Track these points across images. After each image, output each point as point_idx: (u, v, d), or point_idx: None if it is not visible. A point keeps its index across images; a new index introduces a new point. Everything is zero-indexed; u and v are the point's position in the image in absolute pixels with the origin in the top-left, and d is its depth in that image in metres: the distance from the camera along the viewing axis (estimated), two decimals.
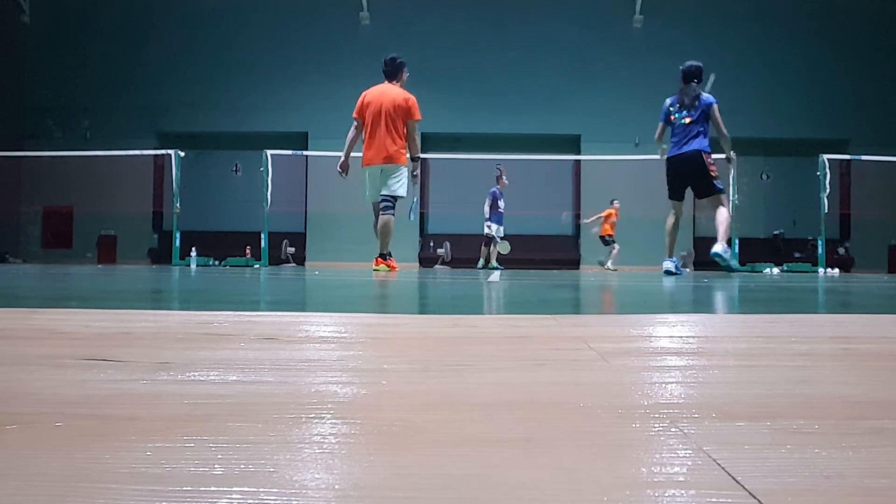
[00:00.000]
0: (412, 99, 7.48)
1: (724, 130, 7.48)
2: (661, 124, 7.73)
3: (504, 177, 13.98)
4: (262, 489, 0.49)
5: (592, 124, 17.85)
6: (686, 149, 7.42)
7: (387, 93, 7.52)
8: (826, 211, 12.98)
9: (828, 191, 12.90)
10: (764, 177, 18.63)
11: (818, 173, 13.02)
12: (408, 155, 7.59)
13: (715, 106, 7.43)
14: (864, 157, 14.40)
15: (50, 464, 0.55)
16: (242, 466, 0.54)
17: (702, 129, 7.43)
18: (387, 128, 7.44)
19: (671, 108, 7.60)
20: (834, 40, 17.88)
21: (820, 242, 13.09)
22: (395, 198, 7.47)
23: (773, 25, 17.96)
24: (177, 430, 0.64)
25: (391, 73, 7.64)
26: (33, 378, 0.91)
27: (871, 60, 17.89)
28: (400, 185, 7.44)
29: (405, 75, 7.73)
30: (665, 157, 7.65)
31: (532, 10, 18.19)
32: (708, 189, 7.43)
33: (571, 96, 17.97)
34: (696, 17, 18.03)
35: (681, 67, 7.65)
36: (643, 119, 17.77)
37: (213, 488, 0.49)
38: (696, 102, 7.43)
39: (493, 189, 13.93)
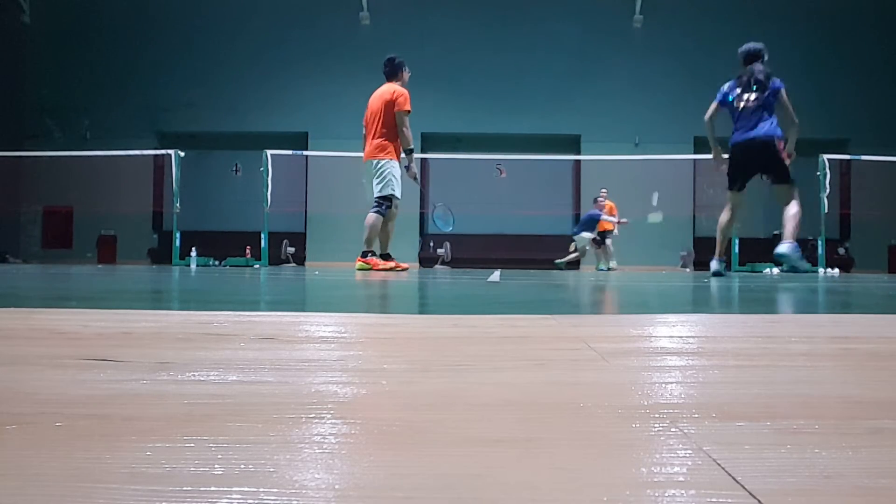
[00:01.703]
0: (399, 91, 7.46)
1: (795, 118, 6.79)
2: (715, 103, 7.05)
3: (603, 199, 14.56)
4: (262, 489, 0.49)
5: (592, 124, 17.84)
6: (755, 133, 6.72)
7: (379, 92, 7.60)
8: (826, 211, 12.97)
9: (828, 191, 12.89)
10: (764, 177, 18.62)
11: (818, 173, 13.01)
12: (401, 149, 7.56)
13: (784, 90, 6.82)
14: (864, 157, 14.39)
15: (50, 464, 0.55)
16: (242, 466, 0.54)
17: (770, 112, 6.74)
18: (374, 125, 7.47)
19: (729, 92, 6.96)
20: (834, 40, 17.87)
21: (820, 242, 13.07)
22: (382, 198, 7.44)
23: (773, 25, 17.94)
24: (177, 430, 0.64)
25: (390, 73, 7.67)
26: (33, 378, 0.91)
27: (871, 60, 17.88)
28: (383, 184, 7.40)
29: (406, 74, 7.73)
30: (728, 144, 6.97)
31: (532, 11, 18.18)
32: (783, 176, 6.71)
33: (571, 96, 17.95)
34: (696, 17, 18.02)
35: (741, 50, 7.13)
36: (643, 119, 17.81)
37: (213, 488, 0.49)
38: (767, 82, 6.76)
39: (594, 211, 14.60)
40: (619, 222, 14.49)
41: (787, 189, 6.68)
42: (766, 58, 6.93)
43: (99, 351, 1.12)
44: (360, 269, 7.38)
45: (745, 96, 6.81)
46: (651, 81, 17.80)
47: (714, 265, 6.95)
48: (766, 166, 6.77)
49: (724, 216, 7.01)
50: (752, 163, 6.82)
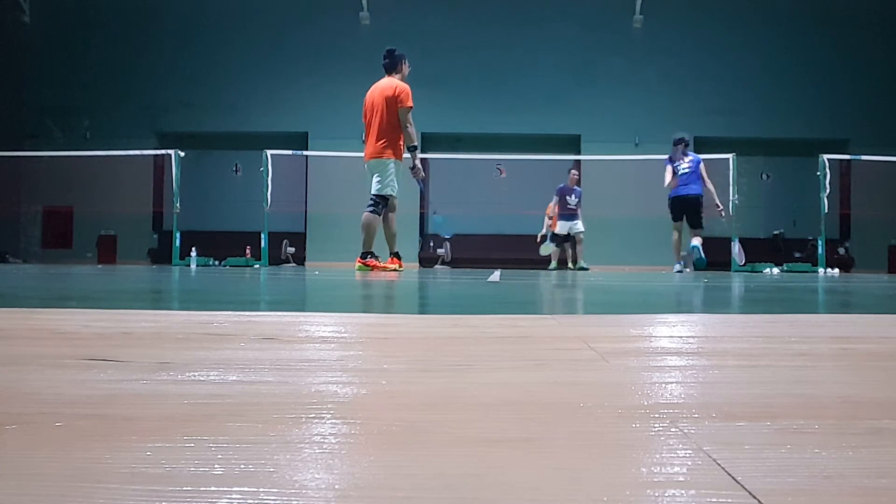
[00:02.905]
0: (401, 86, 7.26)
1: (710, 185, 10.63)
2: (671, 172, 10.59)
3: (573, 172, 13.38)
4: (262, 489, 0.49)
5: (592, 124, 17.82)
6: (688, 192, 10.43)
7: (379, 86, 7.39)
8: (826, 211, 12.97)
9: (828, 191, 12.89)
10: (764, 177, 18.61)
11: (818, 173, 13.00)
12: (403, 146, 7.41)
13: (702, 163, 10.63)
14: (864, 157, 14.37)
15: (50, 464, 0.55)
16: (242, 466, 0.54)
17: (696, 178, 10.50)
18: (377, 122, 7.27)
19: (674, 161, 10.61)
20: (834, 40, 17.86)
21: (820, 242, 13.07)
22: (379, 197, 7.28)
23: (773, 25, 17.93)
24: (177, 430, 0.64)
25: (390, 65, 7.46)
26: (33, 378, 0.91)
27: (871, 60, 17.86)
28: (384, 184, 7.24)
29: (406, 68, 7.52)
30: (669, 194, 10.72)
31: (532, 10, 18.17)
32: (698, 223, 10.48)
33: (571, 96, 17.94)
34: (696, 17, 18.01)
35: (673, 136, 10.80)
36: (643, 119, 17.80)
37: (213, 488, 0.49)
38: (690, 160, 10.60)
39: (560, 185, 13.37)
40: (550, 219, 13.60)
41: (696, 232, 10.44)
42: (687, 144, 10.88)
43: (99, 351, 1.12)
44: (359, 270, 7.30)
45: (684, 165, 10.52)
46: (651, 81, 17.79)
47: (676, 267, 10.44)
48: (690, 212, 10.49)
49: (675, 236, 10.71)
50: (683, 208, 10.53)
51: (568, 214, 13.23)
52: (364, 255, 7.40)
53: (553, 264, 13.28)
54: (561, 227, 13.25)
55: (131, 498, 0.47)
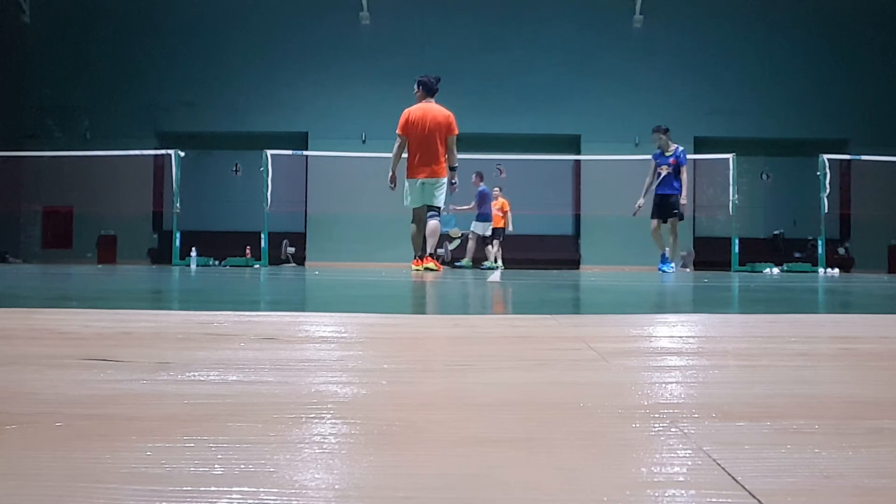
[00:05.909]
0: (452, 116, 8.24)
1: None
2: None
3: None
4: (262, 489, 0.49)
5: (592, 124, 17.81)
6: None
7: (431, 111, 8.18)
8: (826, 211, 12.97)
9: (828, 191, 12.89)
10: (764, 177, 18.60)
11: (818, 173, 13.00)
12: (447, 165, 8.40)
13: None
14: (864, 157, 14.37)
15: (50, 464, 0.55)
16: (242, 466, 0.54)
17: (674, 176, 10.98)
18: (433, 144, 8.16)
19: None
20: (833, 40, 17.85)
21: (820, 242, 13.07)
22: (439, 208, 8.34)
23: (774, 25, 17.93)
24: (177, 430, 0.64)
25: (432, 91, 8.31)
26: (33, 378, 0.91)
27: (871, 60, 17.86)
28: (442, 196, 8.30)
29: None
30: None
31: (532, 10, 18.16)
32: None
33: (571, 96, 17.93)
34: (696, 17, 18.01)
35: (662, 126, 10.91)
36: (643, 119, 17.77)
37: (213, 488, 0.49)
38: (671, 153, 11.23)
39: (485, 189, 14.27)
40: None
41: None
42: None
43: (99, 351, 1.12)
44: (426, 270, 8.00)
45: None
46: (651, 81, 17.78)
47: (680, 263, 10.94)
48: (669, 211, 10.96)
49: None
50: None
51: (482, 215, 14.27)
52: (431, 256, 8.25)
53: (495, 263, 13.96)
54: (479, 227, 14.24)
55: (131, 498, 0.47)
